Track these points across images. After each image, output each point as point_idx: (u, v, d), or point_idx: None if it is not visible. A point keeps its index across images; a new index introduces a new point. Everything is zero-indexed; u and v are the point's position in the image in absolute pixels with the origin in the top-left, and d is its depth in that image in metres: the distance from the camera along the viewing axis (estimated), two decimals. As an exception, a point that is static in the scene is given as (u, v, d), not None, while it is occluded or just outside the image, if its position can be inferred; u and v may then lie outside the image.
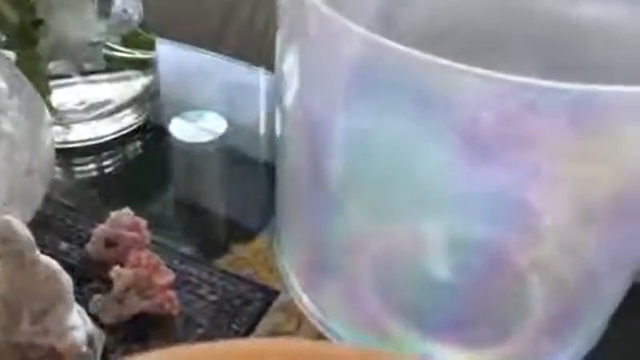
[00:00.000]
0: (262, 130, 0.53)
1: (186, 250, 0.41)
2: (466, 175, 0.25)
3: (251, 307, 0.36)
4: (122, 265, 0.36)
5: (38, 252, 0.29)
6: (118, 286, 0.35)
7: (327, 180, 0.32)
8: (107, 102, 0.47)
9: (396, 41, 0.38)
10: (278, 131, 0.35)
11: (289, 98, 0.32)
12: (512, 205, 0.25)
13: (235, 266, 0.40)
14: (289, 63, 0.31)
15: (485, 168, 0.24)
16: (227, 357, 0.18)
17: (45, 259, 0.29)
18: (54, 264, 0.29)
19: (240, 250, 0.42)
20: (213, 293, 0.37)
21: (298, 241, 0.37)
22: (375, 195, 0.31)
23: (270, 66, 0.59)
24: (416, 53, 0.22)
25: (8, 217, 0.27)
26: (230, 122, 0.49)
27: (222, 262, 0.40)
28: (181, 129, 0.49)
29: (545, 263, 0.28)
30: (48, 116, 0.37)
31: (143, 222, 0.38)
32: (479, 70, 0.20)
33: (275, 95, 0.33)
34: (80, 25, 0.42)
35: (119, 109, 0.48)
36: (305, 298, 0.35)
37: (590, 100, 0.20)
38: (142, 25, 0.48)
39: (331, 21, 0.25)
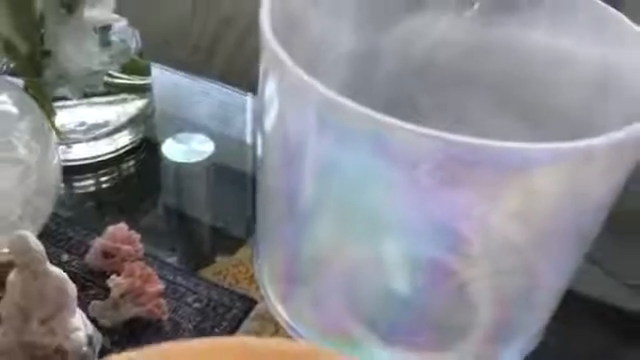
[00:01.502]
0: (246, 151, 0.58)
1: (173, 260, 0.45)
2: (412, 207, 0.30)
3: (231, 314, 0.41)
4: (118, 275, 0.40)
5: (48, 264, 0.34)
6: (114, 293, 0.39)
7: (299, 201, 0.37)
8: (105, 123, 0.52)
9: (379, 73, 0.43)
10: (259, 152, 0.39)
11: (268, 124, 0.36)
12: (449, 232, 0.30)
13: (219, 276, 0.45)
14: (269, 92, 0.34)
15: (427, 203, 0.29)
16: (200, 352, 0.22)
17: (54, 270, 0.34)
18: (62, 274, 0.34)
19: (223, 261, 0.46)
20: (198, 301, 0.41)
21: (274, 256, 0.41)
22: (340, 218, 0.36)
23: (250, 88, 0.64)
24: (365, 111, 0.26)
25: (24, 232, 0.32)
26: (217, 143, 0.54)
27: (207, 271, 0.45)
28: (172, 150, 0.53)
29: (482, 279, 0.33)
30: (55, 138, 0.41)
31: (137, 236, 0.43)
32: (419, 129, 0.25)
33: (256, 120, 0.37)
34: (84, 56, 0.47)
35: (116, 130, 0.52)
36: (279, 307, 0.39)
37: (505, 153, 0.25)
38: (138, 53, 0.53)
39: (296, 76, 0.29)
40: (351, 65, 0.43)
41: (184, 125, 0.56)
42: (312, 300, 0.38)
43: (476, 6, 0.41)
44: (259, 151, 0.39)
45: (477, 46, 0.43)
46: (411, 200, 0.29)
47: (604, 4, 0.37)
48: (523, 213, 0.28)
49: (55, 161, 0.39)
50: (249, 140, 0.58)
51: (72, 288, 0.35)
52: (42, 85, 0.47)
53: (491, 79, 0.43)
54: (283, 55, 0.31)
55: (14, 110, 0.38)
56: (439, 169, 0.26)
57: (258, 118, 0.37)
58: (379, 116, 0.27)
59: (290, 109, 0.34)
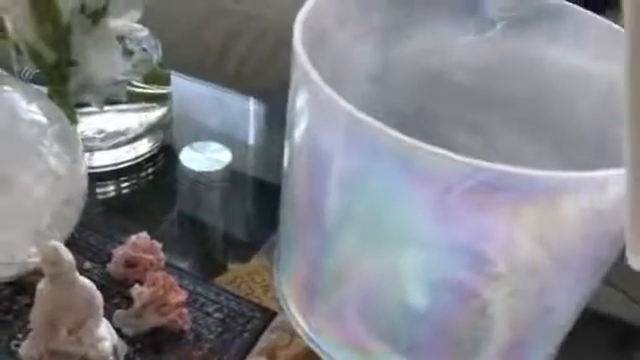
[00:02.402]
0: (261, 159, 0.58)
1: (186, 266, 0.46)
2: (438, 228, 0.30)
3: (252, 325, 0.42)
4: (140, 284, 0.41)
5: (77, 274, 0.34)
6: (137, 303, 0.40)
7: (324, 215, 0.37)
8: (126, 131, 0.53)
9: (397, 88, 0.44)
10: (285, 164, 0.40)
11: (297, 137, 0.37)
12: (473, 254, 0.30)
13: (233, 284, 0.45)
14: (299, 106, 0.35)
15: (452, 224, 0.30)
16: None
17: (83, 280, 0.34)
18: (90, 284, 0.35)
19: (238, 269, 0.47)
20: (219, 311, 0.42)
21: (295, 267, 0.42)
22: (362, 233, 0.36)
23: (266, 96, 0.65)
24: (394, 133, 0.27)
25: (56, 243, 0.33)
26: (233, 152, 0.55)
27: (222, 280, 0.45)
28: (190, 159, 0.54)
29: (502, 300, 0.33)
30: (82, 146, 0.42)
31: (159, 246, 0.44)
32: (450, 154, 0.26)
33: (287, 130, 0.38)
34: (108, 65, 0.47)
35: (136, 138, 0.53)
36: (299, 318, 0.40)
37: (532, 180, 0.26)
38: (159, 62, 0.53)
39: (326, 96, 0.30)
40: (371, 80, 0.44)
41: (201, 133, 0.57)
42: (333, 314, 0.39)
43: (499, 26, 0.42)
44: (285, 162, 0.39)
45: (495, 63, 0.43)
46: (437, 221, 0.30)
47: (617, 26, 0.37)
48: (546, 237, 0.29)
49: (83, 171, 0.40)
50: (262, 148, 0.59)
51: (99, 298, 0.35)
52: (66, 94, 0.48)
53: (509, 96, 0.44)
54: (315, 75, 0.31)
55: (44, 119, 0.38)
56: (468, 193, 0.27)
57: (288, 128, 0.38)
58: (409, 139, 0.28)
59: (320, 125, 0.34)
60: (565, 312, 0.36)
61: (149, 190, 0.53)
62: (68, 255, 0.33)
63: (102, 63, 0.47)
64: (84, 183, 0.40)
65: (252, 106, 0.64)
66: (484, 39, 0.43)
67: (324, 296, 0.40)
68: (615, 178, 0.27)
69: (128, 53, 0.51)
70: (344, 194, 0.36)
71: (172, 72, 0.59)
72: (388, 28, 0.43)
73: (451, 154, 0.26)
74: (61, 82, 0.47)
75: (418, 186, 0.29)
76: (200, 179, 0.53)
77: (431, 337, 0.38)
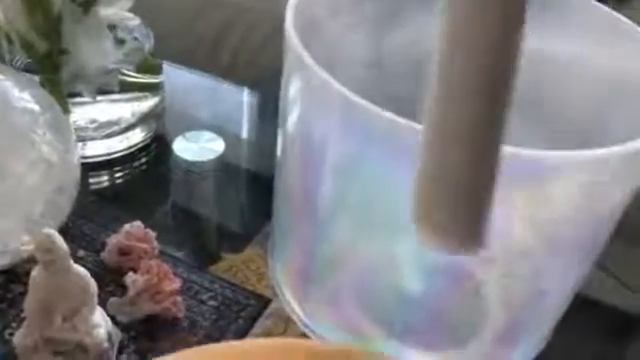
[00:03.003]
0: (254, 149, 0.58)
1: (181, 255, 0.46)
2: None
3: (246, 312, 0.42)
4: (135, 272, 0.41)
5: (71, 261, 0.34)
6: (132, 291, 0.40)
7: (317, 201, 0.37)
8: (118, 121, 0.52)
9: (391, 75, 0.44)
10: (279, 152, 0.40)
11: (290, 124, 0.37)
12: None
13: (229, 272, 0.46)
14: (292, 93, 0.35)
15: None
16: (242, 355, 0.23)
17: (77, 267, 0.34)
18: (84, 272, 0.35)
19: (233, 258, 0.47)
20: (213, 299, 0.42)
21: (289, 254, 0.42)
22: (356, 219, 0.36)
23: (259, 86, 0.65)
24: (388, 115, 0.27)
25: (50, 231, 0.33)
26: (226, 141, 0.55)
27: (217, 268, 0.46)
28: (183, 148, 0.54)
29: (495, 282, 0.34)
30: (74, 135, 0.42)
31: (153, 234, 0.44)
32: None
33: (280, 118, 0.38)
34: (99, 54, 0.47)
35: (129, 128, 0.53)
36: (294, 305, 0.40)
37: (522, 160, 0.26)
38: (151, 52, 0.53)
39: (321, 80, 0.30)
40: (365, 68, 0.44)
41: (194, 123, 0.57)
42: (328, 299, 0.39)
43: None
44: (279, 151, 0.39)
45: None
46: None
47: (616, 14, 0.37)
48: (537, 219, 0.29)
49: (75, 160, 0.40)
50: (255, 138, 0.59)
51: (93, 285, 0.35)
52: (58, 83, 0.48)
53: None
54: (308, 59, 0.31)
55: (36, 107, 0.38)
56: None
57: (281, 117, 0.38)
58: (402, 120, 0.28)
59: (314, 111, 0.34)
60: (558, 295, 0.36)
61: (142, 180, 0.53)
62: (62, 242, 0.33)
63: (93, 51, 0.47)
64: (77, 171, 0.40)
65: (245, 96, 0.64)
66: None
67: (319, 282, 0.40)
68: (611, 157, 0.27)
69: (120, 42, 0.51)
70: (338, 180, 0.36)
71: (164, 62, 0.59)
72: (381, 17, 0.43)
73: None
74: (53, 71, 0.47)
75: (411, 169, 0.29)
76: (193, 169, 0.53)
77: (426, 321, 0.38)
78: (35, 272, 0.34)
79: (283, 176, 0.40)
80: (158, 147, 0.55)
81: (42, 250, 0.33)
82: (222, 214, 0.53)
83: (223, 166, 0.54)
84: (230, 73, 0.73)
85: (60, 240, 0.33)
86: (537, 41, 0.40)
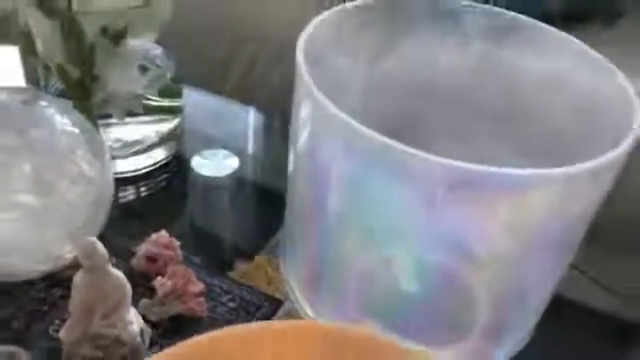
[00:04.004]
0: (265, 165, 0.63)
1: (200, 261, 0.50)
2: (426, 220, 0.35)
3: (261, 312, 0.46)
4: (162, 276, 0.45)
5: (109, 265, 0.39)
6: (160, 293, 0.45)
7: (325, 213, 0.42)
8: (142, 141, 0.57)
9: (390, 97, 0.49)
10: (290, 169, 0.45)
11: (300, 145, 0.41)
12: (457, 241, 0.35)
13: (245, 278, 0.50)
14: (302, 117, 0.40)
15: (439, 217, 0.35)
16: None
17: (114, 271, 0.39)
18: (121, 275, 0.39)
19: (245, 266, 0.52)
20: (232, 301, 0.47)
21: (300, 260, 0.47)
22: (360, 229, 0.41)
23: (264, 106, 0.70)
24: (386, 140, 0.32)
25: (92, 238, 0.37)
26: (239, 158, 0.60)
27: (233, 274, 0.50)
28: (201, 165, 0.59)
29: (482, 282, 0.38)
30: (109, 154, 0.46)
31: (176, 242, 0.48)
32: (434, 157, 0.31)
33: (291, 139, 0.43)
34: (128, 81, 0.52)
35: (152, 146, 0.58)
36: (305, 306, 0.45)
37: (502, 178, 0.31)
38: (172, 77, 0.58)
39: (324, 107, 0.35)
40: (366, 91, 0.49)
41: (211, 142, 0.62)
42: (335, 300, 0.44)
43: (477, 41, 0.46)
44: (290, 168, 0.44)
45: (478, 72, 0.48)
46: (425, 215, 0.35)
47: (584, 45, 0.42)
48: (516, 227, 0.34)
49: (110, 176, 0.44)
50: (267, 155, 0.64)
51: (128, 287, 0.40)
52: (89, 107, 0.53)
53: (490, 103, 0.49)
54: (314, 88, 0.36)
55: (75, 130, 0.43)
56: (450, 190, 0.32)
57: (292, 136, 0.43)
58: (399, 145, 0.33)
59: (320, 135, 0.39)
60: (538, 294, 0.41)
61: (164, 194, 0.58)
62: (102, 249, 0.38)
63: (123, 79, 0.52)
64: (112, 186, 0.45)
65: (255, 116, 0.69)
66: (464, 53, 0.48)
67: (327, 285, 0.45)
68: (578, 173, 0.32)
69: (143, 69, 0.56)
70: (342, 196, 0.41)
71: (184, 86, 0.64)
72: (377, 48, 0.48)
73: (436, 157, 0.31)
74: (84, 96, 0.52)
75: (407, 186, 0.34)
76: (210, 183, 0.58)
77: (423, 319, 0.42)
78: (77, 277, 0.39)
79: (294, 191, 0.45)
80: (178, 164, 0.60)
81: (85, 256, 0.38)
82: (236, 225, 0.57)
83: (237, 181, 0.59)
84: (235, 95, 0.77)
85: (101, 247, 0.38)
86: (511, 63, 0.45)
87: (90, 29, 0.50)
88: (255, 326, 0.30)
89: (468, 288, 0.40)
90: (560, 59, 0.43)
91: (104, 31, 0.51)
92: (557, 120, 0.44)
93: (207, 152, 0.60)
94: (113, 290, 0.39)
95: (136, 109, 0.55)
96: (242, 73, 0.95)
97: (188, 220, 0.57)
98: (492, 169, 0.30)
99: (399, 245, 0.41)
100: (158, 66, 0.58)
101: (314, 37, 0.41)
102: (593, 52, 0.42)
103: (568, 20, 0.68)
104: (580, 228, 0.36)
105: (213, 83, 0.83)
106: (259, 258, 0.52)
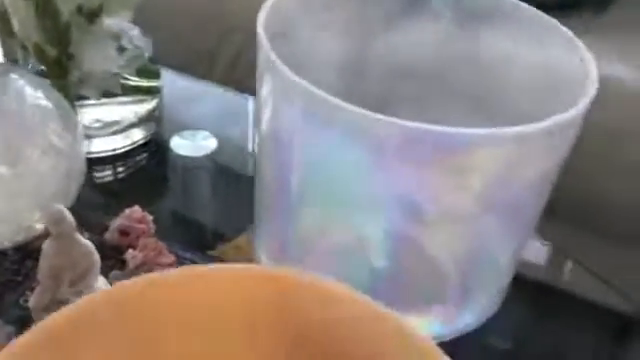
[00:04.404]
0: (245, 147, 0.64)
1: (175, 240, 0.51)
2: (381, 185, 0.36)
3: (233, 284, 0.47)
4: (134, 249, 0.46)
5: (77, 233, 0.40)
6: (131, 264, 0.45)
7: (290, 190, 0.42)
8: (120, 121, 0.58)
9: (367, 75, 0.49)
10: (256, 148, 0.45)
11: (264, 122, 0.42)
12: (411, 205, 0.36)
13: (221, 257, 0.51)
14: (264, 93, 0.40)
15: (392, 180, 0.35)
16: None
17: (83, 240, 0.40)
18: (89, 243, 0.40)
19: (224, 246, 0.52)
20: (203, 273, 0.47)
21: (269, 237, 0.47)
22: (325, 203, 0.42)
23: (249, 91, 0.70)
24: (339, 102, 0.33)
25: (60, 205, 0.38)
26: (219, 140, 0.60)
27: (210, 253, 0.51)
28: (179, 145, 0.59)
29: (442, 246, 0.39)
30: (82, 130, 0.47)
31: (149, 216, 0.49)
32: (384, 117, 0.31)
33: (255, 119, 0.43)
34: (104, 59, 0.53)
35: (130, 127, 0.58)
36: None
37: (451, 136, 0.31)
38: (150, 58, 0.59)
39: (284, 75, 0.35)
40: (340, 71, 0.50)
41: (189, 123, 0.62)
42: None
43: (453, 22, 0.47)
44: (256, 147, 0.45)
45: (450, 52, 0.49)
46: (379, 179, 0.35)
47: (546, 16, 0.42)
48: (469, 187, 0.35)
49: (82, 150, 0.45)
50: (248, 137, 0.64)
51: (96, 255, 0.41)
52: (66, 86, 0.53)
53: (461, 82, 0.49)
54: (274, 57, 0.36)
55: (47, 104, 0.44)
56: (401, 150, 0.32)
57: (256, 117, 0.43)
58: (361, 110, 0.33)
59: (281, 107, 0.39)
60: (502, 259, 0.41)
61: (142, 173, 0.58)
62: (70, 216, 0.39)
63: (98, 57, 0.53)
64: (83, 160, 0.46)
65: (236, 99, 0.69)
66: (440, 34, 0.48)
67: (295, 261, 0.46)
68: (527, 133, 0.32)
69: (122, 50, 0.57)
70: (302, 167, 0.41)
71: (163, 68, 0.65)
72: (352, 23, 0.48)
73: (385, 117, 0.31)
74: (62, 75, 0.53)
75: (361, 148, 0.35)
76: (188, 163, 0.59)
77: (393, 290, 0.43)
78: (46, 244, 0.40)
79: (260, 170, 0.45)
80: (157, 145, 0.60)
81: (53, 222, 0.38)
82: (215, 205, 0.58)
83: (215, 162, 0.60)
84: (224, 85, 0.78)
85: (69, 214, 0.39)
86: (472, 40, 0.46)
87: (65, 7, 0.51)
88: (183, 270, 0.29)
89: (431, 255, 0.41)
90: (520, 30, 0.43)
91: (79, 9, 0.51)
92: (524, 98, 0.45)
93: (186, 132, 0.61)
94: (81, 258, 0.40)
95: (113, 89, 0.55)
96: (229, 63, 0.96)
97: (165, 199, 0.57)
98: (442, 128, 0.31)
99: (361, 216, 0.41)
100: (136, 46, 0.58)
101: (280, 6, 0.41)
102: (562, 28, 0.42)
103: (562, 8, 0.68)
104: (538, 192, 0.37)
105: (200, 73, 0.84)
106: (239, 239, 0.53)
